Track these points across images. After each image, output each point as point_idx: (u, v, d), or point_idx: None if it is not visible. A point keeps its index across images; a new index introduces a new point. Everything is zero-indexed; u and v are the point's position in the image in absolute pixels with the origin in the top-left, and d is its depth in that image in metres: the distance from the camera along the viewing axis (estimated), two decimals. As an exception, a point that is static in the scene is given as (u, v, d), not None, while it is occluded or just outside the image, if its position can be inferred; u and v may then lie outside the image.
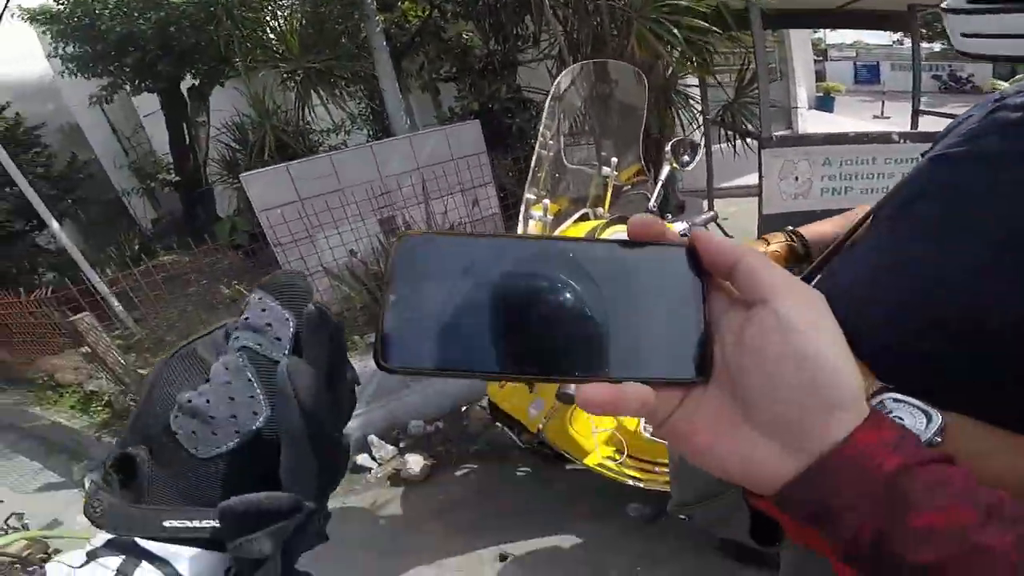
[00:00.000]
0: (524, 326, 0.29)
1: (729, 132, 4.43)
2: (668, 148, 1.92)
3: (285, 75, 4.26)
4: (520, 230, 1.54)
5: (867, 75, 18.43)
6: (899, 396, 0.45)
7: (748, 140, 4.26)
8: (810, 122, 8.97)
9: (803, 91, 9.52)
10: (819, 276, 0.71)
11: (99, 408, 3.85)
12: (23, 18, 5.26)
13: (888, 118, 11.82)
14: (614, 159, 2.15)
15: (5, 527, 2.78)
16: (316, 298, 0.33)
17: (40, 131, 6.06)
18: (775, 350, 0.27)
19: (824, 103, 13.09)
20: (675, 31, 3.33)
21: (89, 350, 3.31)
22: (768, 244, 1.18)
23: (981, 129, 0.58)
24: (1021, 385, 0.47)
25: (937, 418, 0.43)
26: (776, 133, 3.99)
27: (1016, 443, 0.47)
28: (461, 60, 4.71)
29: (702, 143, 2.60)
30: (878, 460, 0.26)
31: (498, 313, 0.29)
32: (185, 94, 6.28)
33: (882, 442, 0.27)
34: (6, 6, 4.29)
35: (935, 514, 0.25)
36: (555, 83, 1.85)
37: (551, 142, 2.11)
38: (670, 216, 1.82)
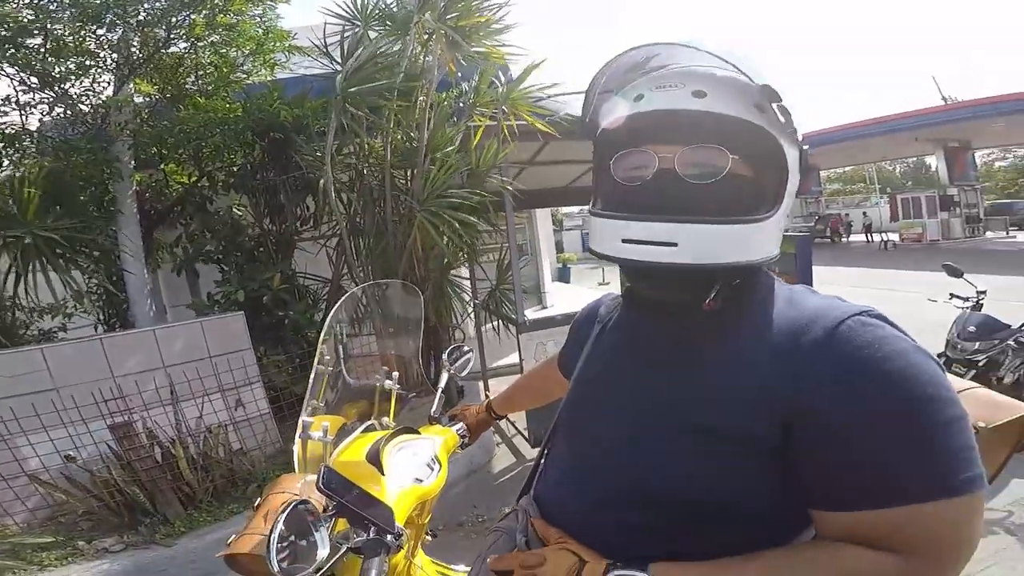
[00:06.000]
0: None
1: (493, 316, 5.01)
2: (445, 356, 2.08)
3: (8, 239, 3.40)
4: (296, 452, 1.45)
5: (592, 243, 22.72)
6: (619, 571, 0.66)
7: (508, 324, 4.85)
8: (555, 295, 10.71)
9: (547, 265, 11.44)
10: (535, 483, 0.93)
11: None
12: None
13: (608, 283, 14.25)
14: (395, 373, 2.22)
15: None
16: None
17: None
18: None
19: (563, 274, 15.84)
20: (453, 222, 3.67)
21: None
22: (475, 414, 1.61)
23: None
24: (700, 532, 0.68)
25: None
26: (528, 314, 4.65)
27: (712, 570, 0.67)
28: (230, 239, 4.24)
29: (472, 351, 2.82)
30: None
31: None
32: None
33: None
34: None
35: None
36: (335, 306, 1.91)
37: (327, 357, 2.09)
38: (446, 420, 1.95)
